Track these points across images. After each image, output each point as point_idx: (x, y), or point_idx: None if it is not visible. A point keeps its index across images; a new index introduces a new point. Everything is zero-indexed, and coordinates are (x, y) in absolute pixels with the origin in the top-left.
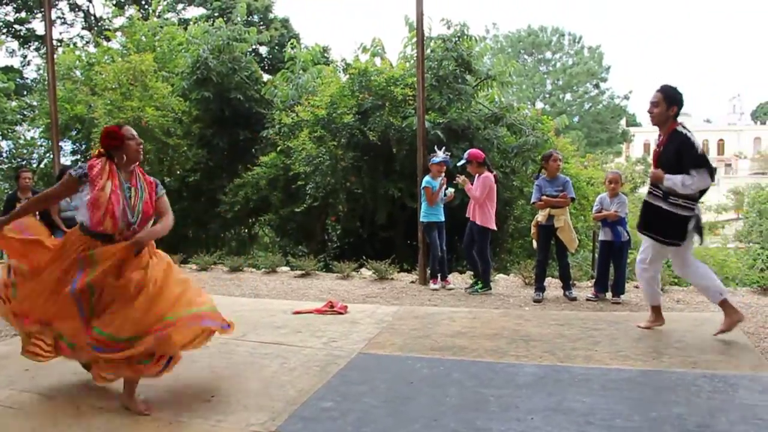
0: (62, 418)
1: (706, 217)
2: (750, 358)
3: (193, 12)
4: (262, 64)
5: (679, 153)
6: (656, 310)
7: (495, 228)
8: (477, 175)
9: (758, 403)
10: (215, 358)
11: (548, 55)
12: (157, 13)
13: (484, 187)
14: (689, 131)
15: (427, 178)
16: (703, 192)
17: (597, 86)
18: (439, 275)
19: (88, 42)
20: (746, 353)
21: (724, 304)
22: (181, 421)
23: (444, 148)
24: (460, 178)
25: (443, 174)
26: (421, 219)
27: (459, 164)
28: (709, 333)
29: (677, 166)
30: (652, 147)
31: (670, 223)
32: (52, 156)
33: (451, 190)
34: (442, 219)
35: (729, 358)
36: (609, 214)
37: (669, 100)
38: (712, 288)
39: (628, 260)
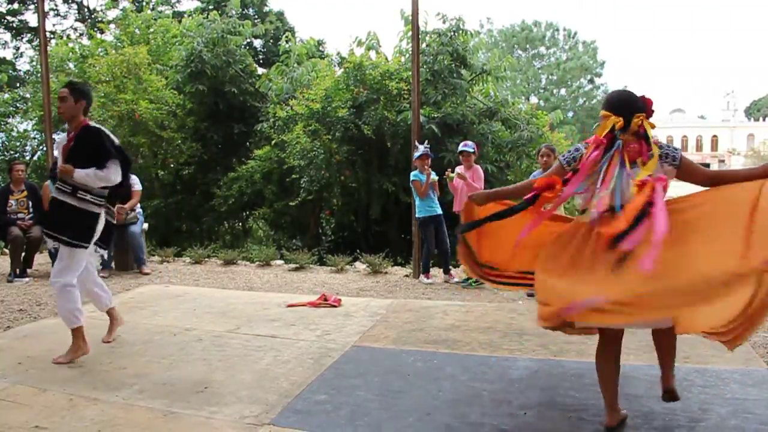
0: (56, 410)
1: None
2: (741, 353)
3: (188, 5)
4: (257, 58)
5: (93, 146)
6: (79, 333)
7: None
8: (467, 168)
9: (749, 397)
10: (209, 350)
11: (542, 50)
12: (151, 6)
13: (481, 179)
14: (101, 126)
15: (414, 172)
16: (115, 188)
17: (591, 81)
18: (430, 270)
19: (81, 34)
20: (738, 348)
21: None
22: (175, 412)
23: (425, 141)
24: (458, 170)
25: (428, 166)
26: (417, 215)
27: (467, 149)
28: None
29: (89, 160)
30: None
31: (78, 221)
32: (45, 149)
33: (434, 175)
34: (439, 212)
35: (721, 352)
36: None
37: (76, 95)
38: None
39: None
